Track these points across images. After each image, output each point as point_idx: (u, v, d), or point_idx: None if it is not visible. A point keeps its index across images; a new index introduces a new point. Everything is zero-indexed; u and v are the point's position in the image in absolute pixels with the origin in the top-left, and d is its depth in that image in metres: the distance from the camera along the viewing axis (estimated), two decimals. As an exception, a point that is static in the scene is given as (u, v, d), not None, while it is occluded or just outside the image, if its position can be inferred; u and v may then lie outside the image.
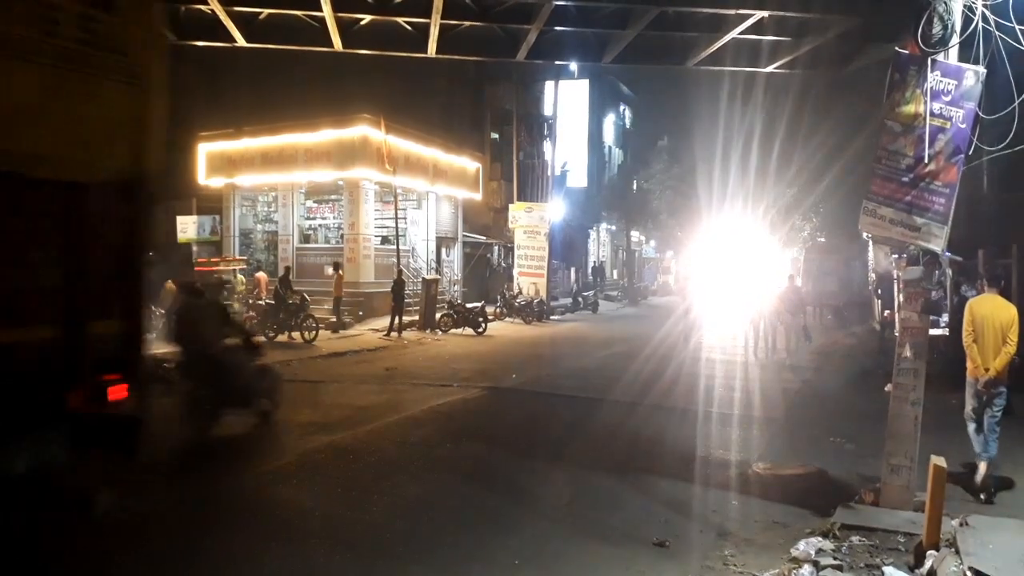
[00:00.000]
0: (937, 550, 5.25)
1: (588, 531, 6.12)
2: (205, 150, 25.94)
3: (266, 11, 13.20)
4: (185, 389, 8.37)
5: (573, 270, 35.69)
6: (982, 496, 6.65)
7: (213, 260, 23.41)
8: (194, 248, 25.90)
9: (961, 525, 5.69)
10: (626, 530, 6.16)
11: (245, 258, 24.73)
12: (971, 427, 6.86)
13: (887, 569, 5.20)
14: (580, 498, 6.99)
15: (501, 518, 6.39)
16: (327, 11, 12.37)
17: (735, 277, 35.22)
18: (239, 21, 13.16)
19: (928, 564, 5.13)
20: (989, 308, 6.77)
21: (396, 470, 7.71)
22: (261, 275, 22.22)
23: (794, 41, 13.71)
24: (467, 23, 13.51)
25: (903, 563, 5.33)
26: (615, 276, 46.06)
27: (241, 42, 13.57)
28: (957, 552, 5.25)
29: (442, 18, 12.70)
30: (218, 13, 12.61)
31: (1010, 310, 6.79)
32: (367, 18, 13.22)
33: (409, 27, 13.51)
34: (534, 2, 12.41)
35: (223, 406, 8.54)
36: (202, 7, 12.79)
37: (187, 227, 25.92)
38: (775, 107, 27.07)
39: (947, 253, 6.40)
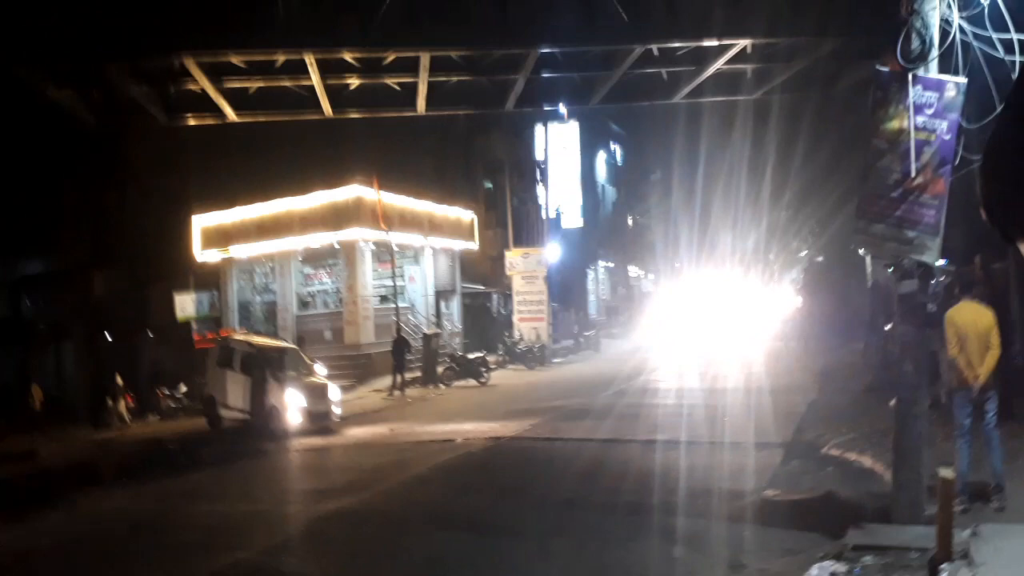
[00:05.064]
0: (951, 562, 5.18)
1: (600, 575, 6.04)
2: (199, 224, 26.15)
3: (255, 84, 13.46)
4: None
5: (573, 311, 35.70)
6: (992, 504, 6.55)
7: (214, 336, 23.46)
8: (193, 326, 25.97)
9: (972, 535, 5.62)
10: (639, 571, 6.09)
11: (245, 330, 24.77)
12: (961, 443, 6.75)
13: (901, 588, 5.13)
14: (590, 542, 6.91)
15: (510, 571, 6.31)
16: (315, 79, 12.61)
17: (735, 304, 35.25)
18: (229, 96, 13.41)
19: (942, 578, 5.06)
20: (969, 315, 6.75)
21: (403, 532, 7.64)
22: None
23: (779, 66, 13.89)
24: (455, 78, 13.75)
25: (917, 579, 5.25)
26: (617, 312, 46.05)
27: (232, 117, 13.82)
28: (971, 563, 5.18)
29: (430, 75, 12.92)
30: (207, 91, 12.86)
31: (988, 314, 6.78)
32: (356, 81, 13.49)
33: (398, 87, 13.76)
34: (520, 52, 12.64)
35: None
36: (191, 86, 13.04)
37: (185, 305, 26.02)
38: (766, 130, 27.32)
39: (943, 262, 6.42)
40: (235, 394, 15.08)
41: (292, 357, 15.64)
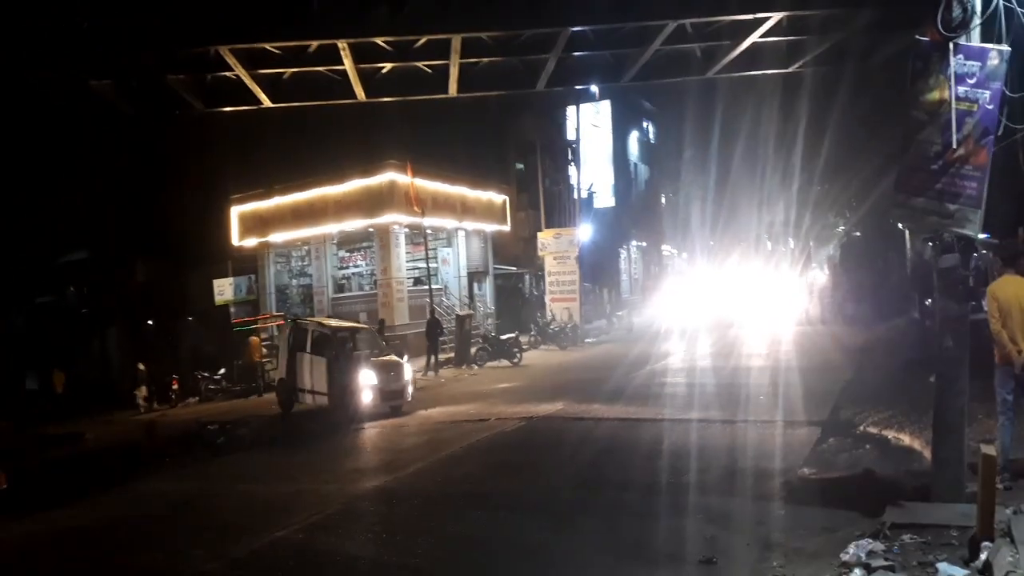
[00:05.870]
0: (992, 541, 5.08)
1: (633, 555, 6.05)
2: (237, 212, 26.62)
3: (289, 71, 13.55)
4: None
5: (606, 291, 35.56)
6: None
7: (252, 319, 23.91)
8: (231, 309, 26.48)
9: (1015, 513, 5.51)
10: (671, 550, 6.07)
11: (283, 314, 25.16)
12: (1003, 420, 6.59)
13: (941, 565, 5.04)
14: (622, 522, 6.90)
15: (544, 550, 6.35)
16: (348, 64, 12.67)
17: (768, 282, 34.79)
18: (264, 83, 13.52)
19: (983, 556, 4.96)
20: (1012, 289, 6.56)
21: (439, 510, 7.74)
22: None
23: (814, 38, 13.56)
24: (486, 60, 13.70)
25: (957, 557, 5.16)
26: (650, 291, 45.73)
27: (267, 103, 13.95)
28: (1013, 541, 5.09)
29: (461, 58, 12.90)
30: (243, 78, 12.97)
31: None
32: (388, 66, 13.52)
33: (429, 70, 13.76)
34: (551, 31, 12.54)
35: None
36: (227, 73, 13.17)
37: (224, 290, 26.58)
38: (799, 104, 26.76)
39: (985, 235, 6.26)
40: (309, 376, 15.14)
41: (366, 337, 15.74)
